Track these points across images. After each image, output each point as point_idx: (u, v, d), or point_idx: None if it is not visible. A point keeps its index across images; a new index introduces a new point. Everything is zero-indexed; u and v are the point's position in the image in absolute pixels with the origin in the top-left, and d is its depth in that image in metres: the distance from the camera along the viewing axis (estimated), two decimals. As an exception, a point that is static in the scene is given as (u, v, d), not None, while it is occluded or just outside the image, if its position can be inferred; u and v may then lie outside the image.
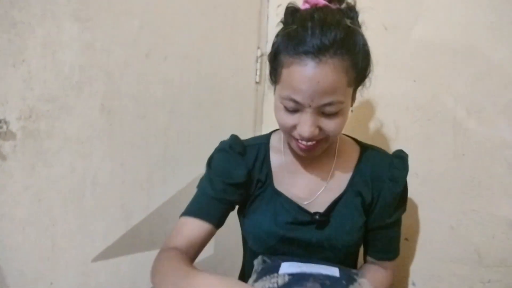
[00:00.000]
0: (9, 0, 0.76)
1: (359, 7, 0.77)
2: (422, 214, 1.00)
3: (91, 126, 0.93)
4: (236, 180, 0.81)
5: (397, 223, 0.83)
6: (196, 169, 1.13)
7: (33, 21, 0.80)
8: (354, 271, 0.78)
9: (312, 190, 0.81)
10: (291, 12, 0.72)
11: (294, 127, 0.71)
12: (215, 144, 0.92)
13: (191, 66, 1.11)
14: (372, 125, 1.08)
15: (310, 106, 0.66)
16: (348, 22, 0.68)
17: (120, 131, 0.99)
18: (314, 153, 0.74)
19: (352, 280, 0.70)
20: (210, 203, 0.83)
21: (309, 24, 0.65)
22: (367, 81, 0.77)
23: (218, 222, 0.83)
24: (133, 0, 0.96)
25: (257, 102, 1.30)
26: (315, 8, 0.69)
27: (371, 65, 0.74)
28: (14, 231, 0.85)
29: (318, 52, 0.63)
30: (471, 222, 0.93)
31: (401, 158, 0.80)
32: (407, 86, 1.01)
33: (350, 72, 0.67)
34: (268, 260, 0.76)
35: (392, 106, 1.04)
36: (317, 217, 0.77)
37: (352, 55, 0.66)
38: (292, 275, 0.69)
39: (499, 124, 0.88)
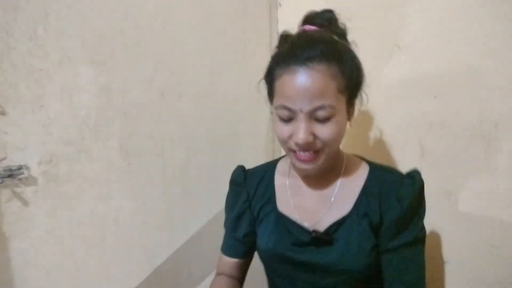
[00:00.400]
0: (28, 49, 0.79)
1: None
2: (461, 235, 0.93)
3: (110, 167, 0.93)
4: (238, 211, 0.87)
5: (410, 248, 0.74)
6: (216, 205, 1.11)
7: (51, 67, 0.82)
8: None
9: (316, 211, 0.78)
10: (285, 37, 0.77)
11: (290, 137, 0.71)
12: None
13: (206, 103, 1.12)
14: (396, 146, 1.05)
15: (302, 111, 0.68)
16: (335, 37, 0.74)
17: (139, 171, 0.99)
18: (314, 166, 0.72)
19: None
20: (229, 240, 0.91)
21: (299, 41, 0.72)
22: (363, 95, 0.79)
23: (242, 255, 0.89)
24: (147, 42, 0.98)
25: (274, 132, 1.29)
26: (306, 31, 0.77)
27: (363, 77, 0.76)
28: (39, 278, 0.83)
29: (306, 61, 0.67)
30: (515, 240, 0.86)
31: (411, 177, 0.76)
32: (429, 103, 0.98)
33: (339, 78, 0.69)
34: None
35: (415, 125, 1.00)
36: (313, 234, 0.74)
37: (339, 63, 0.69)
38: None
39: None
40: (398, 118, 1.04)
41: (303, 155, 0.71)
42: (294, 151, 0.72)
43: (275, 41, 1.29)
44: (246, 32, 1.22)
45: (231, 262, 0.89)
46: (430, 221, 0.98)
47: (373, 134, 1.10)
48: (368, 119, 1.11)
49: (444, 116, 0.95)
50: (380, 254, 0.75)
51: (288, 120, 0.70)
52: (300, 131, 0.68)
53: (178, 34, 1.05)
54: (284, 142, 0.73)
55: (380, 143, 1.07)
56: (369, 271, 0.75)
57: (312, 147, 0.70)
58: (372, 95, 1.09)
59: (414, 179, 0.75)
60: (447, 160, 0.95)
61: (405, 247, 0.73)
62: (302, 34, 0.74)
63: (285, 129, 0.71)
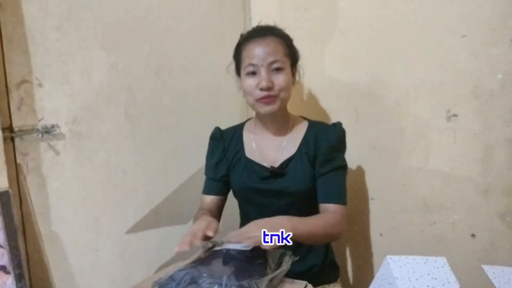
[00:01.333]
0: (56, 38, 1.05)
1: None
2: (381, 177, 1.26)
3: (119, 128, 1.21)
4: (217, 159, 1.17)
5: (335, 173, 1.05)
6: (201, 160, 1.40)
7: (74, 51, 1.09)
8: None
9: (272, 154, 1.11)
10: (242, 34, 1.12)
11: (256, 86, 1.02)
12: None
13: (191, 78, 1.39)
14: (338, 111, 1.35)
15: (262, 65, 1.01)
16: (277, 27, 1.09)
17: (140, 132, 1.27)
18: (275, 106, 1.04)
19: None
20: (208, 183, 1.21)
21: (254, 28, 1.11)
22: (299, 69, 1.11)
23: (218, 192, 1.18)
24: (144, 30, 1.25)
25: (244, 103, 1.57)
26: None
27: (299, 54, 1.11)
28: (68, 209, 1.12)
29: (262, 34, 1.04)
30: (417, 178, 1.18)
31: (335, 125, 1.10)
32: (361, 77, 1.27)
33: (283, 46, 1.04)
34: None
35: (352, 95, 1.30)
36: (271, 169, 1.07)
37: (281, 37, 1.06)
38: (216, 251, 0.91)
39: (424, 100, 1.14)
40: (338, 90, 1.33)
41: (266, 97, 1.02)
42: (258, 100, 1.03)
43: (248, 27, 1.57)
44: (224, 20, 1.49)
45: (209, 199, 1.18)
46: (361, 167, 1.31)
47: (320, 101, 1.40)
48: (316, 89, 1.40)
49: (372, 87, 1.25)
50: (316, 179, 1.06)
51: (253, 73, 1.03)
52: (263, 79, 1.01)
53: (168, 23, 1.31)
54: (251, 94, 1.04)
55: (326, 108, 1.37)
56: (310, 193, 1.07)
57: (271, 91, 1.02)
58: (319, 70, 1.38)
59: (337, 127, 1.08)
60: (373, 122, 1.26)
61: (332, 171, 1.05)
62: (256, 26, 1.10)
63: (251, 81, 1.03)
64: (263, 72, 1.01)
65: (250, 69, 1.03)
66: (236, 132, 1.19)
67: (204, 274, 0.80)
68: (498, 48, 0.99)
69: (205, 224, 0.91)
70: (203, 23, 1.42)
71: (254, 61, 1.01)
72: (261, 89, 1.01)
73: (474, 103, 1.05)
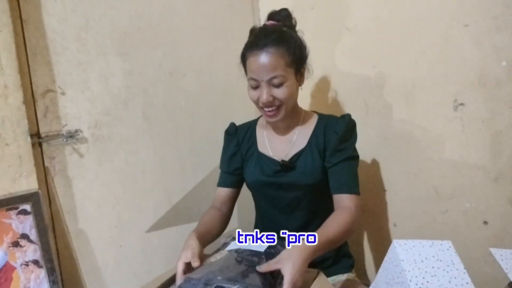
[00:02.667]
0: (76, 48, 1.13)
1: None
2: (393, 168, 1.28)
3: (137, 130, 1.28)
4: (231, 153, 1.21)
5: (345, 163, 1.05)
6: (216, 158, 1.45)
7: (92, 60, 1.16)
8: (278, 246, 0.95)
9: (283, 149, 1.14)
10: (252, 31, 1.12)
11: (258, 99, 1.05)
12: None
13: (204, 79, 1.45)
14: (348, 104, 1.37)
15: (263, 80, 1.01)
16: (284, 29, 1.06)
17: (157, 133, 1.33)
18: (277, 118, 1.07)
19: (272, 254, 0.88)
20: (223, 176, 1.25)
21: (259, 33, 1.06)
22: (309, 67, 1.11)
23: (232, 185, 1.23)
24: (157, 36, 1.31)
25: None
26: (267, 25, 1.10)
27: (306, 54, 1.08)
28: (92, 207, 1.19)
29: (262, 46, 1.01)
30: (428, 167, 1.19)
31: (343, 117, 1.11)
32: (369, 71, 1.30)
33: (286, 56, 1.01)
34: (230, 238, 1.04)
35: (361, 88, 1.33)
36: (282, 163, 1.10)
37: (286, 45, 1.01)
38: (229, 250, 0.94)
39: (430, 91, 1.15)
40: (348, 84, 1.36)
41: (268, 111, 1.05)
42: (263, 109, 1.07)
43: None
44: (233, 22, 1.53)
45: (223, 191, 1.21)
46: (373, 158, 1.33)
47: (330, 96, 1.43)
48: (326, 85, 1.43)
49: (380, 80, 1.28)
50: (327, 170, 1.08)
51: (256, 87, 1.05)
52: (263, 94, 1.02)
53: (180, 28, 1.37)
54: (255, 103, 1.08)
55: (336, 103, 1.40)
56: (320, 186, 1.09)
57: (273, 105, 1.04)
58: (328, 66, 1.41)
59: (345, 118, 1.09)
60: (383, 113, 1.28)
61: (343, 161, 1.06)
62: (262, 28, 1.08)
63: (254, 94, 1.06)
64: (263, 88, 1.02)
65: (253, 83, 1.04)
66: (250, 127, 1.24)
67: (219, 277, 0.82)
68: (501, 35, 0.99)
69: (189, 254, 0.93)
70: (213, 26, 1.48)
71: (255, 76, 1.03)
72: (263, 104, 1.04)
73: (480, 91, 1.06)
